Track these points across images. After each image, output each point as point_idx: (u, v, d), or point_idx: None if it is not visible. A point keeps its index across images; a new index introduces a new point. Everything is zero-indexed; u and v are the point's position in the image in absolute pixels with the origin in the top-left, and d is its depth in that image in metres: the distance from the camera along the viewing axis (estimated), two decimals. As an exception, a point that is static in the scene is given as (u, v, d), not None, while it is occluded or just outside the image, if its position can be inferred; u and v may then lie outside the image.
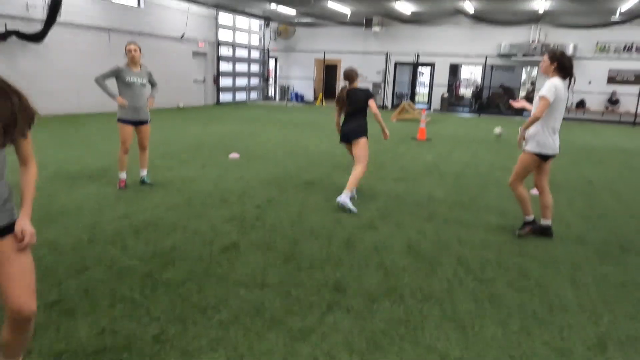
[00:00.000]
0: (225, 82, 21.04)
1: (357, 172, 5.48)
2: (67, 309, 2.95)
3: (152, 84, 5.93)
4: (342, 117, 5.73)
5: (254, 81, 23.66)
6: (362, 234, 4.56)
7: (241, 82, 22.37)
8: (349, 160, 8.44)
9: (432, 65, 22.65)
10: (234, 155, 8.29)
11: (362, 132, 5.58)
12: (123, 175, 5.85)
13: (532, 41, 19.57)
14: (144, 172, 6.07)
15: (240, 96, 22.48)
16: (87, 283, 3.30)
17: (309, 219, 4.97)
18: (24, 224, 1.95)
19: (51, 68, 12.91)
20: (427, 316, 3.07)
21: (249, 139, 10.46)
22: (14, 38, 11.64)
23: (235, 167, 7.44)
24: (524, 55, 19.61)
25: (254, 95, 23.66)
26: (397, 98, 23.86)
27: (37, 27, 11.87)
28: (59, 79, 13.18)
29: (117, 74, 5.59)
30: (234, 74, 21.57)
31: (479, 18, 19.73)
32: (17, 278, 1.94)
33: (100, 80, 5.56)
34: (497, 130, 12.44)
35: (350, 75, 5.71)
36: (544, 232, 4.62)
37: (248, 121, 14.28)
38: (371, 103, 5.55)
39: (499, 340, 2.82)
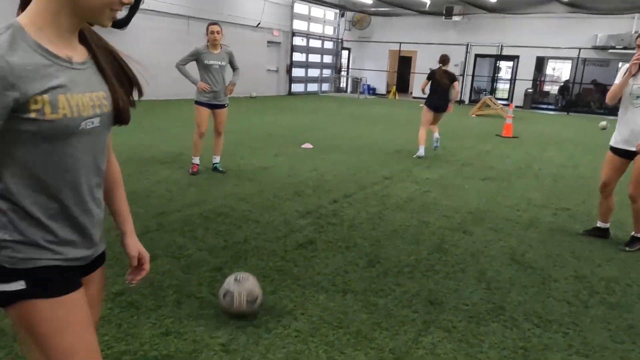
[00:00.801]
0: (297, 72, 20.87)
1: (436, 127, 8.13)
2: (130, 302, 2.66)
3: (234, 66, 5.67)
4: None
5: (326, 72, 23.33)
6: (454, 238, 3.99)
7: (313, 73, 22.12)
8: (428, 156, 7.82)
9: (516, 58, 21.16)
10: (307, 146, 7.92)
11: (447, 106, 7.77)
12: (196, 160, 5.64)
13: (636, 32, 17.62)
14: (217, 159, 5.82)
15: (312, 87, 22.24)
16: (153, 274, 3.01)
17: (392, 218, 4.46)
18: (139, 245, 1.43)
19: (131, 54, 13.23)
20: (551, 347, 2.47)
21: (322, 131, 10.08)
22: (99, 25, 12.02)
23: (309, 158, 7.06)
24: (624, 47, 17.71)
25: (325, 86, 23.35)
26: (475, 93, 22.57)
27: (122, 14, 12.16)
28: (138, 66, 13.50)
29: (196, 57, 5.41)
30: (306, 65, 21.35)
31: (574, 5, 18.06)
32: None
33: (181, 66, 5.44)
34: (603, 123, 12.05)
35: (447, 59, 8.03)
36: None
37: (320, 112, 13.94)
38: (455, 84, 7.76)
39: (652, 390, 2.18)
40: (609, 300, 3.02)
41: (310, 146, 7.93)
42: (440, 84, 7.57)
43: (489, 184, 6.06)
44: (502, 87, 25.47)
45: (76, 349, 1.17)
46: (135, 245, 1.41)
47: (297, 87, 21.02)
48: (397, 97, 22.88)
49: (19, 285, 1.10)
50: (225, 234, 3.79)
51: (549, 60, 24.16)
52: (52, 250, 1.14)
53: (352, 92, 24.06)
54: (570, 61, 21.39)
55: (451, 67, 22.27)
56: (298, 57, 20.63)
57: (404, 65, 24.61)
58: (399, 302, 2.85)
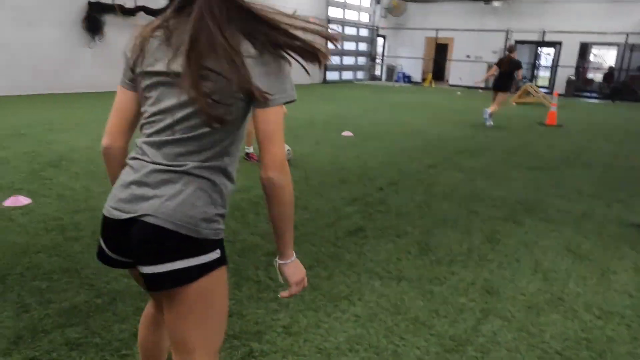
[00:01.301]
0: (332, 60, 20.74)
1: (494, 105, 9.68)
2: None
3: None
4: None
5: (361, 60, 23.13)
6: (506, 228, 3.93)
7: (348, 60, 21.97)
8: (471, 145, 7.69)
9: (558, 44, 20.44)
10: (348, 134, 7.91)
11: (508, 87, 9.62)
12: (251, 149, 5.75)
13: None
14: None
15: (347, 75, 22.11)
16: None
17: (439, 206, 4.42)
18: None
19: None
20: (615, 339, 2.42)
21: (360, 119, 10.03)
22: (142, 13, 12.26)
23: (350, 145, 7.05)
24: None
25: (360, 74, 23.16)
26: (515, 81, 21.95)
27: (162, 3, 12.37)
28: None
29: None
30: (341, 52, 21.21)
31: (623, -11, 17.27)
32: None
33: None
34: None
35: (513, 48, 9.84)
36: None
37: (356, 100, 13.87)
38: (519, 71, 9.55)
39: None
40: (673, 294, 2.93)
41: (351, 134, 7.91)
42: (503, 68, 9.54)
43: (536, 173, 5.92)
44: (543, 75, 24.70)
45: (227, 317, 1.36)
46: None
47: (332, 75, 20.93)
48: (433, 84, 22.50)
49: (216, 254, 1.22)
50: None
51: (593, 47, 23.25)
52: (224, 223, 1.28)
53: (386, 80, 23.80)
54: (616, 47, 20.52)
55: (489, 54, 21.78)
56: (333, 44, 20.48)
57: (440, 52, 24.15)
58: (455, 290, 2.84)
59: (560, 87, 20.23)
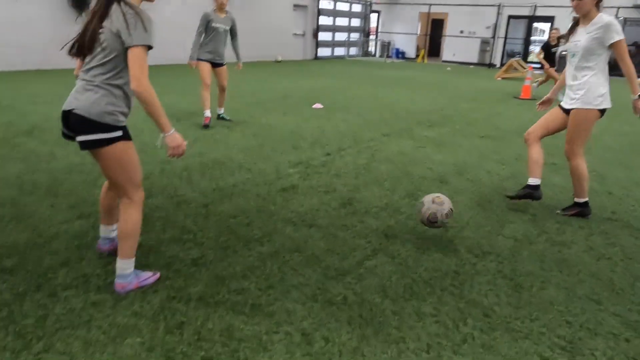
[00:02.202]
0: (324, 36, 20.87)
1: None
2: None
3: (233, 33, 6.17)
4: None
5: (355, 36, 23.19)
6: (430, 186, 4.28)
7: (341, 36, 22.05)
8: (435, 117, 7.98)
9: (551, 19, 20.37)
10: (317, 106, 8.22)
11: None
12: (207, 113, 6.19)
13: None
14: (221, 110, 6.48)
15: (339, 51, 22.22)
16: (146, 208, 3.48)
17: (377, 169, 4.77)
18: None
19: (160, 19, 13.68)
20: (481, 272, 2.79)
21: (338, 93, 10.31)
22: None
23: (317, 117, 7.37)
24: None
25: (353, 50, 23.25)
26: (508, 56, 21.95)
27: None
28: (166, 30, 13.96)
29: (206, 21, 5.89)
30: (333, 29, 21.29)
31: (612, -38, 17.12)
32: None
33: (196, 37, 5.94)
34: None
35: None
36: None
37: (342, 76, 14.09)
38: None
39: (559, 305, 2.48)
40: (555, 239, 3.28)
41: (321, 106, 8.22)
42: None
43: (486, 141, 6.23)
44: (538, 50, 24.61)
45: (138, 168, 2.37)
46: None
47: (324, 52, 21.06)
48: (425, 60, 22.57)
49: (118, 133, 2.22)
50: (218, 180, 4.22)
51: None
52: (124, 117, 2.28)
53: (381, 56, 23.87)
54: (610, 22, 20.44)
55: (482, 30, 21.73)
56: (325, 20, 20.59)
57: (436, 28, 24.12)
58: (357, 235, 3.22)
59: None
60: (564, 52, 4.98)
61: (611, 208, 3.96)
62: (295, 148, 5.42)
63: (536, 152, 3.78)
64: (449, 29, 23.05)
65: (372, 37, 24.58)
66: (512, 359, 2.06)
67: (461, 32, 22.35)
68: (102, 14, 2.12)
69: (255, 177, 4.33)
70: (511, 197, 3.86)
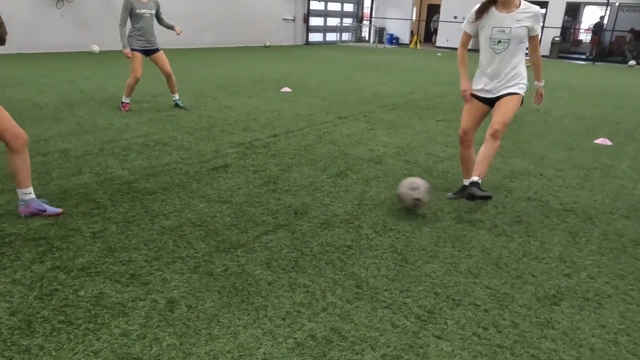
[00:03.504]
0: (316, 21, 20.75)
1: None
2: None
3: (159, 16, 6.07)
4: None
5: (347, 22, 23.03)
6: (362, 167, 4.33)
7: (333, 22, 21.91)
8: (401, 101, 8.00)
9: (545, 4, 20.12)
10: (286, 90, 8.25)
11: None
12: (127, 100, 6.14)
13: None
14: (176, 97, 6.41)
15: (331, 37, 22.11)
16: (70, 185, 3.57)
17: (318, 150, 4.82)
18: None
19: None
20: (373, 247, 2.86)
21: (313, 77, 10.31)
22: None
23: (281, 100, 7.41)
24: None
25: (346, 36, 23.12)
26: (502, 42, 21.74)
27: None
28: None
29: (130, 8, 5.76)
30: (325, 14, 21.16)
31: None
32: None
33: (121, 27, 5.83)
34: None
35: None
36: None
37: (325, 61, 14.05)
38: None
39: (435, 278, 2.54)
40: (462, 217, 3.34)
41: (289, 90, 8.25)
42: None
43: (440, 125, 6.26)
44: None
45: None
46: None
47: (315, 37, 20.97)
48: (419, 46, 22.41)
49: None
50: (153, 159, 4.29)
51: (586, 7, 22.82)
52: None
53: (374, 42, 23.72)
54: (605, 7, 20.15)
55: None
56: (316, 5, 20.46)
57: (431, 13, 23.92)
58: (266, 212, 3.28)
59: (545, 48, 20.09)
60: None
61: (535, 188, 4.00)
62: (245, 130, 5.47)
63: (471, 153, 3.70)
64: (442, 14, 22.83)
65: (365, 22, 24.40)
66: (365, 326, 2.13)
67: (455, 17, 22.12)
68: None
69: (192, 157, 4.40)
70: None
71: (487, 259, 2.78)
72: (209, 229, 2.97)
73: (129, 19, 5.85)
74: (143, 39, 5.94)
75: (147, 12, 5.88)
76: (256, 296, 2.31)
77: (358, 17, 23.56)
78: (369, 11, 24.34)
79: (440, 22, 22.91)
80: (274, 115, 6.27)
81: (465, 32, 3.47)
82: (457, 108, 7.38)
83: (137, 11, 5.82)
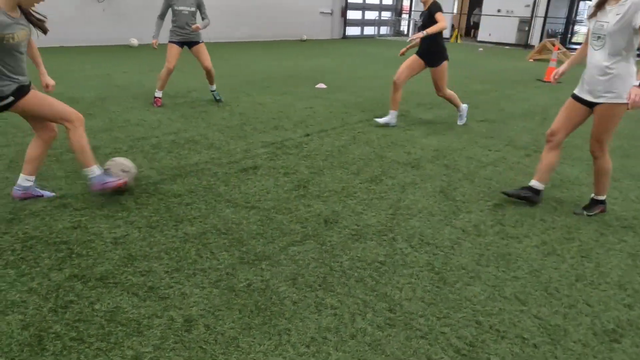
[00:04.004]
0: (354, 15, 20.40)
1: None
2: (63, 204, 3.15)
3: (203, 14, 5.95)
4: None
5: (386, 15, 22.56)
6: (398, 171, 4.09)
7: (371, 15, 21.50)
8: (434, 100, 7.67)
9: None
10: (320, 86, 8.05)
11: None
12: (159, 94, 6.06)
13: None
14: (213, 87, 6.40)
15: (369, 31, 21.70)
16: (97, 185, 3.49)
17: (353, 151, 4.61)
18: (47, 78, 3.22)
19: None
20: (409, 264, 2.63)
21: (349, 73, 10.06)
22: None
23: (313, 97, 7.21)
24: None
25: (384, 30, 22.65)
26: (548, 37, 20.79)
27: None
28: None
29: (169, 4, 5.73)
30: (363, 7, 20.78)
31: None
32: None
33: (157, 20, 5.80)
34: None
35: None
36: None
37: (362, 56, 13.75)
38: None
39: (477, 303, 2.30)
40: (507, 232, 3.06)
41: (324, 86, 8.04)
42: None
43: (481, 125, 5.92)
44: (583, 31, 23.17)
45: (55, 104, 3.00)
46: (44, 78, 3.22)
47: (353, 31, 20.62)
48: (459, 40, 21.72)
49: (11, 98, 2.81)
50: (182, 158, 4.19)
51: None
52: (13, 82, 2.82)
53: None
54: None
55: (521, 8, 20.76)
56: (354, -2, 20.09)
57: (473, 5, 23.11)
58: (294, 219, 3.10)
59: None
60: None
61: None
62: (276, 128, 5.31)
63: (554, 157, 3.40)
64: (485, 7, 22.03)
65: (404, 15, 23.85)
66: (397, 358, 1.93)
67: (498, 10, 21.31)
68: None
69: (221, 157, 4.27)
70: (507, 194, 3.53)
71: (536, 283, 2.51)
72: (233, 238, 2.82)
73: (172, 15, 5.83)
74: (182, 32, 5.86)
75: (186, 9, 5.77)
76: (279, 317, 2.13)
77: (397, 10, 23.04)
78: (408, 3, 23.76)
79: (482, 16, 22.13)
80: (307, 113, 6.08)
81: (588, 28, 3.17)
82: (500, 108, 7.00)
83: (176, 8, 5.76)
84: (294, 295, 2.30)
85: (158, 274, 2.43)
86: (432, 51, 5.35)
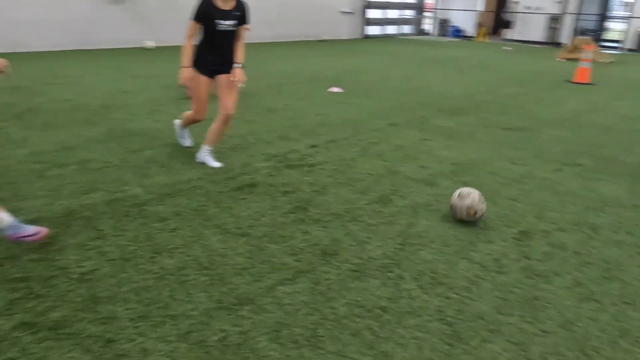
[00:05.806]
0: (375, 14, 19.91)
1: None
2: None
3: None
4: None
5: (409, 13, 21.98)
6: (411, 189, 3.68)
7: (393, 14, 20.97)
8: (462, 104, 7.22)
9: (633, -8, 18.13)
10: (335, 89, 7.65)
11: None
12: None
13: None
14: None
15: (391, 30, 21.17)
16: (77, 206, 3.18)
17: (361, 165, 4.21)
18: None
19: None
20: (416, 310, 2.23)
21: (368, 75, 9.64)
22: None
23: (328, 102, 6.83)
24: None
25: (406, 29, 22.07)
26: (580, 34, 19.87)
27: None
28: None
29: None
30: (385, 5, 20.26)
31: None
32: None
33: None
34: None
35: None
36: None
37: (383, 56, 13.28)
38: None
39: None
40: (535, 268, 2.63)
41: (340, 90, 7.65)
42: None
43: (508, 134, 5.43)
44: (621, 28, 22.07)
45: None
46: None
47: (374, 30, 20.12)
48: (487, 39, 20.98)
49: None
50: (176, 173, 3.86)
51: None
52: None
53: (439, 34, 22.52)
54: None
55: (550, 5, 19.94)
56: (376, -4, 19.60)
57: (501, 2, 22.32)
58: (288, 250, 2.73)
59: (631, 41, 18.15)
60: None
61: (629, 227, 3.18)
62: (282, 138, 4.95)
63: None
64: (513, 4, 21.21)
65: (428, 14, 23.20)
66: None
67: (527, 8, 20.48)
68: None
69: (217, 172, 3.93)
70: None
71: (570, 340, 2.08)
72: (215, 274, 2.47)
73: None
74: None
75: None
76: (253, 385, 1.77)
77: (420, 9, 22.42)
78: (433, 1, 23.11)
79: (509, 14, 21.32)
80: (319, 121, 5.70)
81: None
82: (528, 113, 6.49)
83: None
84: (275, 353, 1.94)
85: (121, 321, 2.09)
86: None
